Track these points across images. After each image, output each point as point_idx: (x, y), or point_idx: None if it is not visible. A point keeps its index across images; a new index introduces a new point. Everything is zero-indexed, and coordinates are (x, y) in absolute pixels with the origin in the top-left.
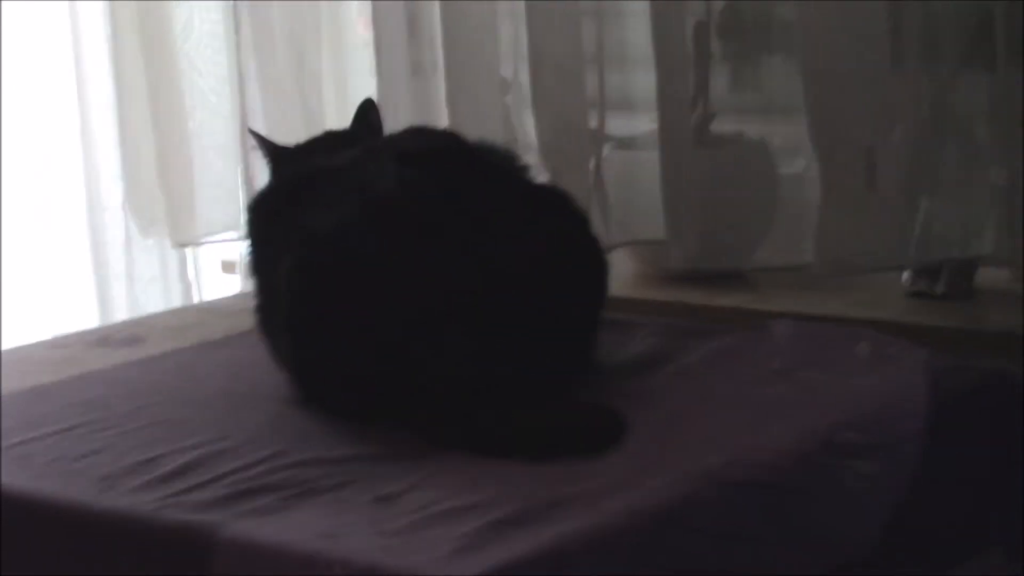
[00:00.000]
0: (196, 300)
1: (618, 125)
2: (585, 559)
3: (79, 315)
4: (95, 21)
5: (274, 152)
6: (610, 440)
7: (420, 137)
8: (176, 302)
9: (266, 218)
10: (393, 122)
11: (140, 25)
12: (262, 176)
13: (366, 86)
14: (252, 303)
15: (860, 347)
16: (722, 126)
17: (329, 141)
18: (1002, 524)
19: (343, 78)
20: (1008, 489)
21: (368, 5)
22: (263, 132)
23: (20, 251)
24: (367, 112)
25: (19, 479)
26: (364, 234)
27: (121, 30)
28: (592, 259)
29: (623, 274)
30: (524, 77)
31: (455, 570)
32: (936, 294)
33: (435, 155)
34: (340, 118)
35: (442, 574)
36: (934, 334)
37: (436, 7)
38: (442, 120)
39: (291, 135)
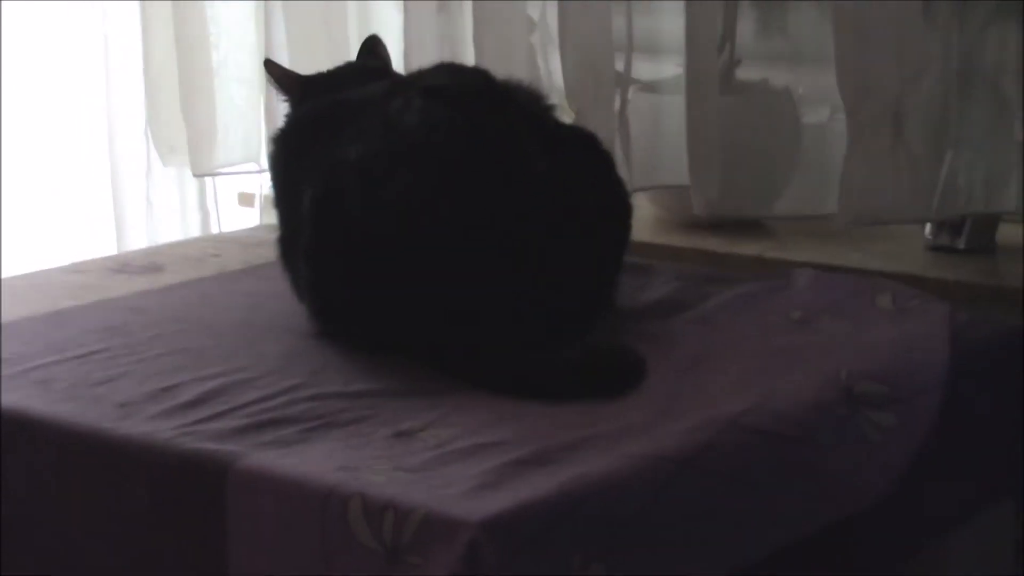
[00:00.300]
0: (215, 231)
1: (644, 68)
2: (602, 500)
3: (98, 241)
4: None
5: (294, 82)
6: (630, 383)
7: (448, 73)
8: (194, 232)
9: (290, 150)
10: (419, 57)
11: None
12: (283, 109)
13: (392, 20)
14: (274, 235)
15: (880, 299)
16: (748, 72)
17: (351, 73)
18: (1015, 477)
19: (368, 11)
20: (1022, 443)
21: None
22: (286, 65)
23: (39, 175)
24: (373, 48)
25: (39, 402)
26: (390, 167)
27: None
28: (616, 202)
29: (644, 218)
30: (551, 17)
31: (473, 507)
32: (958, 248)
33: (462, 92)
34: None
35: (460, 511)
36: (955, 288)
37: None
38: (468, 57)
39: (315, 68)
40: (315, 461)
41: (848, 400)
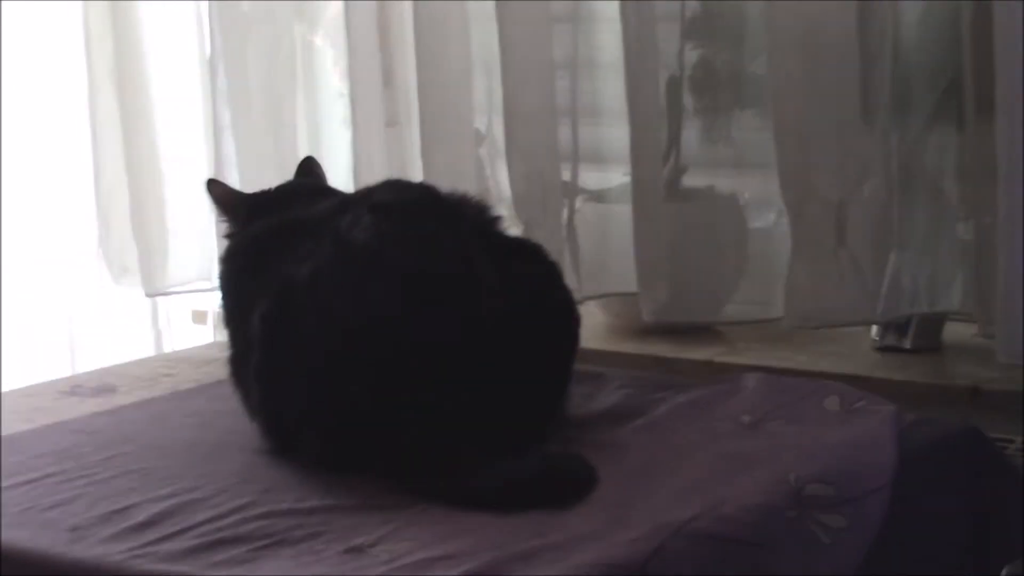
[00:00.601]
0: (167, 349)
1: (590, 178)
2: None
3: (50, 363)
4: (74, 65)
5: (237, 201)
6: (581, 492)
7: (395, 190)
8: (147, 350)
9: (240, 268)
10: (368, 172)
11: (116, 73)
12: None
13: (340, 137)
14: (224, 353)
15: (829, 401)
16: (693, 180)
17: (296, 191)
18: (963, 572)
19: (317, 129)
20: (975, 543)
21: (344, 56)
22: (235, 182)
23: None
24: (310, 169)
25: None
26: (338, 284)
27: (98, 78)
28: (564, 311)
29: (594, 326)
30: (498, 129)
31: None
32: (904, 348)
33: (410, 207)
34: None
35: None
36: (902, 388)
37: (411, 59)
38: (416, 171)
39: (264, 185)
40: None
41: (797, 503)
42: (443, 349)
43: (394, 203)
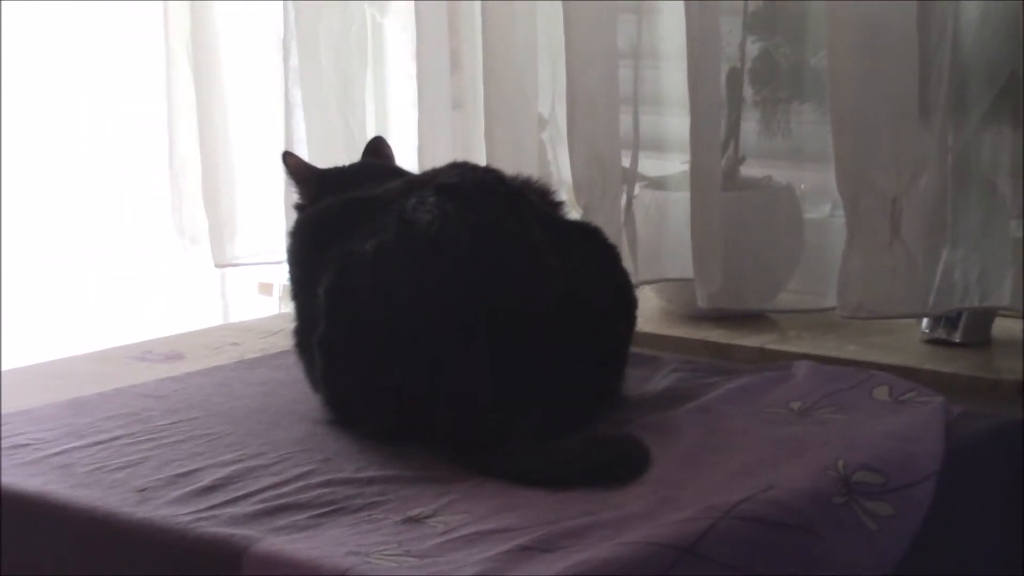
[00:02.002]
0: (234, 319)
1: (650, 165)
2: None
3: (121, 330)
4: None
5: (311, 175)
6: (634, 472)
7: (461, 172)
8: (215, 320)
9: (308, 242)
10: (432, 154)
11: (192, 49)
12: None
13: (407, 118)
14: (290, 325)
15: (878, 391)
16: (751, 170)
17: (366, 170)
18: (1012, 567)
19: (385, 110)
20: (1016, 531)
21: (412, 39)
22: (304, 157)
23: (64, 263)
24: (378, 149)
25: (60, 486)
26: (401, 262)
27: (174, 53)
28: (622, 295)
29: (649, 310)
30: (560, 115)
31: None
32: (954, 341)
33: (474, 189)
34: None
35: None
36: (951, 381)
37: (478, 44)
38: (480, 154)
39: (333, 163)
40: (326, 546)
41: (845, 490)
42: (502, 328)
43: (458, 185)
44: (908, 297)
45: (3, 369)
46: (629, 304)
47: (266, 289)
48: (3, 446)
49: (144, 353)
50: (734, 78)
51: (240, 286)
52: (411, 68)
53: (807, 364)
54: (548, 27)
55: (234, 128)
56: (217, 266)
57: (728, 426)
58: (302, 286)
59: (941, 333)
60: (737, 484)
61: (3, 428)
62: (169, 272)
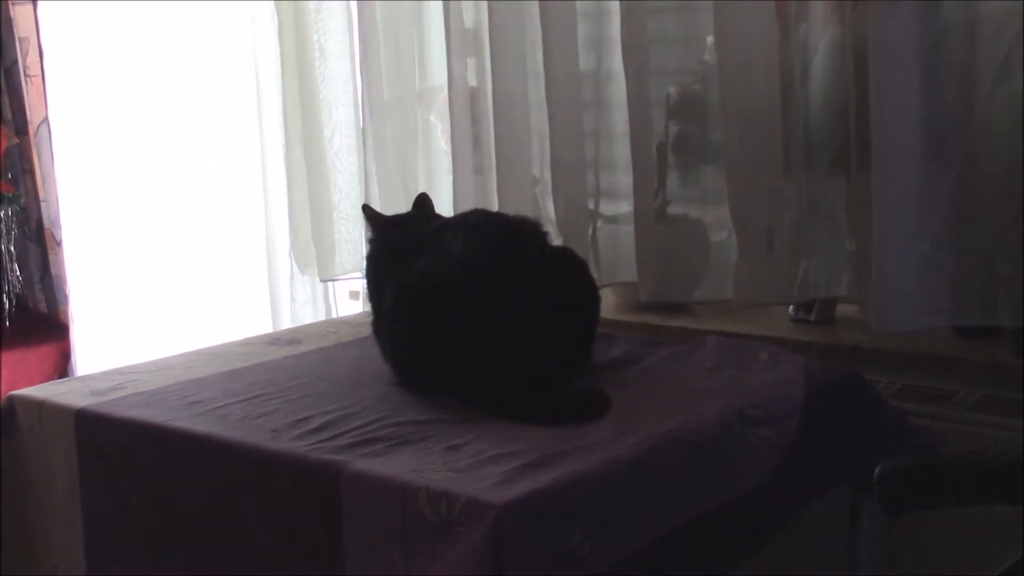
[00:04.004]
0: (334, 316)
1: (608, 207)
2: (583, 490)
3: (260, 324)
4: (275, 135)
5: (379, 221)
6: (599, 413)
7: (480, 216)
8: (321, 316)
9: (378, 264)
10: (463, 204)
11: (303, 138)
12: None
13: (445, 181)
14: (369, 319)
15: (761, 355)
16: (674, 210)
17: (414, 217)
18: (849, 469)
19: (431, 175)
20: (854, 448)
21: (447, 127)
22: (379, 208)
23: (226, 280)
24: (424, 202)
25: (219, 430)
26: (442, 277)
27: (291, 141)
28: (590, 294)
29: (609, 304)
30: (547, 175)
31: (498, 495)
32: (810, 320)
33: (489, 227)
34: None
35: (489, 497)
36: (809, 347)
37: (491, 128)
38: (493, 203)
39: (396, 211)
40: (396, 467)
41: (739, 420)
42: (512, 319)
43: (479, 225)
44: (779, 290)
45: (179, 352)
46: (595, 300)
47: (355, 295)
48: (182, 403)
49: (275, 339)
50: (662, 149)
51: (338, 294)
52: (447, 148)
53: (714, 338)
54: (538, 116)
55: (332, 188)
56: (322, 280)
57: (662, 380)
58: (376, 293)
59: (802, 315)
60: (669, 418)
61: (181, 391)
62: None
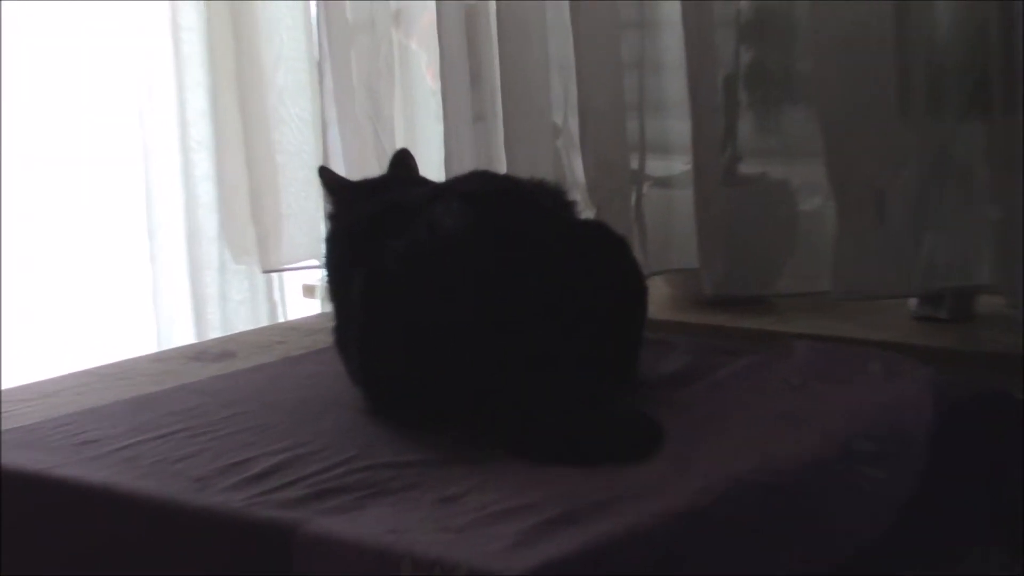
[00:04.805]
0: (280, 320)
1: (656, 166)
2: (623, 556)
3: (179, 333)
4: (198, 79)
5: (344, 187)
6: (649, 447)
7: (481, 180)
8: (263, 321)
9: (343, 247)
10: (457, 163)
11: (237, 78)
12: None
13: (433, 131)
14: (330, 324)
15: (871, 365)
16: (748, 167)
17: (392, 181)
18: (1000, 525)
19: (413, 124)
20: (1005, 494)
21: (436, 58)
22: (340, 172)
23: (126, 274)
24: (403, 161)
25: (123, 479)
26: (431, 263)
27: (220, 85)
28: (633, 284)
29: (660, 298)
30: (573, 123)
31: (510, 564)
32: (940, 318)
33: (494, 196)
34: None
35: (498, 567)
36: (938, 354)
37: (496, 61)
38: (501, 162)
39: (365, 174)
40: (369, 525)
41: (844, 457)
42: (525, 320)
43: (480, 192)
44: (895, 279)
45: (69, 371)
46: (641, 293)
47: (310, 291)
48: (72, 443)
49: (199, 353)
50: (730, 84)
51: (286, 289)
52: (435, 86)
53: (805, 343)
54: (559, 43)
55: (277, 146)
56: (264, 271)
57: (735, 401)
58: (339, 288)
59: (928, 310)
60: (745, 454)
61: (71, 426)
62: (220, 279)
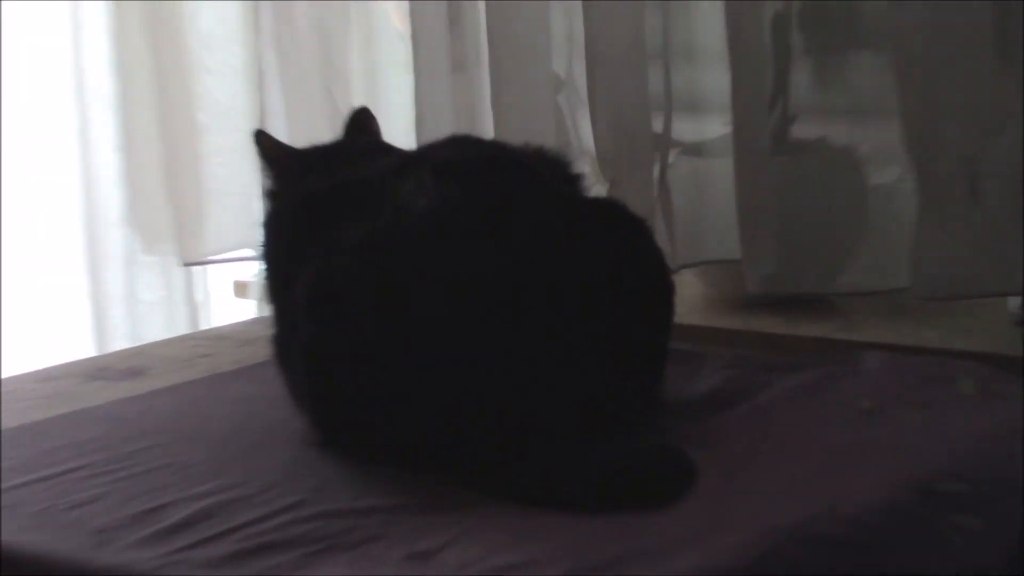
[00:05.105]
0: (205, 326)
1: (686, 129)
2: None
3: (73, 343)
4: (97, 11)
5: (287, 156)
6: (677, 490)
7: (462, 147)
8: (182, 328)
9: (286, 234)
10: (432, 125)
11: (146, 18)
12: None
13: (401, 84)
14: (268, 331)
15: (963, 383)
16: (804, 130)
17: (352, 148)
18: None
19: (375, 75)
20: None
21: None
22: (282, 136)
23: (6, 268)
24: (363, 123)
25: (5, 530)
26: (397, 255)
27: (125, 24)
28: (656, 282)
29: (691, 298)
30: (580, 74)
31: None
32: None
33: (478, 168)
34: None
35: None
36: None
37: None
38: (487, 122)
39: (314, 139)
40: None
41: (927, 502)
42: (516, 326)
43: (460, 163)
44: (994, 273)
45: None
46: (665, 291)
47: (243, 290)
48: None
49: (99, 370)
50: (780, 24)
51: (212, 288)
52: (403, 27)
53: (878, 355)
54: None
55: (199, 103)
56: (184, 265)
57: (787, 432)
58: (281, 286)
59: None
60: (800, 500)
61: None
62: (127, 276)
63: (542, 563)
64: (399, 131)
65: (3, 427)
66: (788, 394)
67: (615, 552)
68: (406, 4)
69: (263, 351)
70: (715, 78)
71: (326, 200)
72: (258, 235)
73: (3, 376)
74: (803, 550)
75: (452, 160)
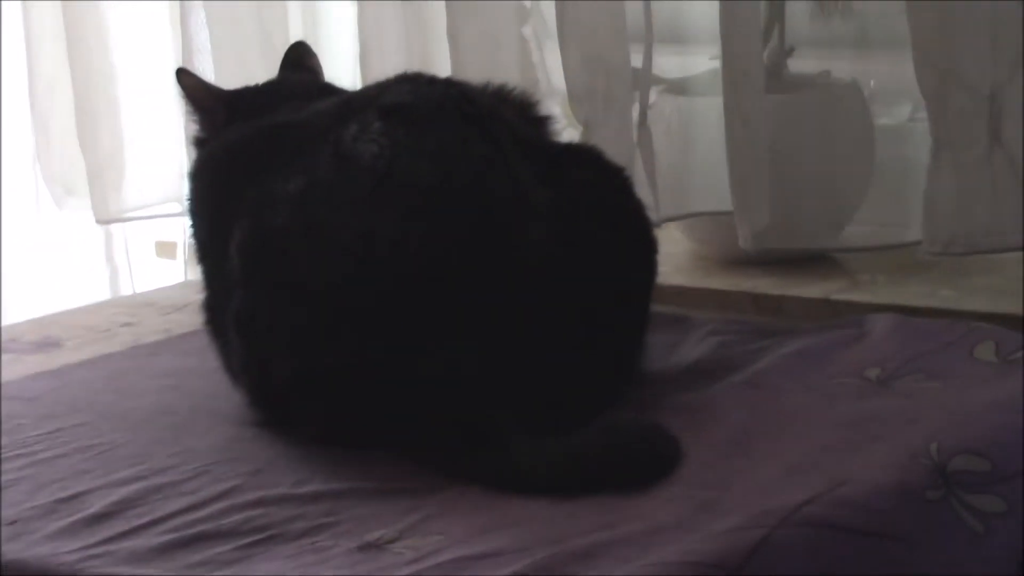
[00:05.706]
0: (126, 291)
1: (669, 63)
2: None
3: None
4: None
5: (215, 99)
6: (660, 470)
7: (413, 86)
8: (100, 294)
9: (215, 186)
10: (378, 60)
11: None
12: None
13: (342, 13)
14: (198, 297)
15: (980, 349)
16: (802, 64)
17: (289, 88)
18: None
19: (313, 4)
20: None
21: None
22: (209, 75)
23: None
24: (300, 58)
25: None
26: (340, 207)
27: None
28: (636, 238)
29: (677, 256)
30: (548, 2)
31: None
32: None
33: (432, 108)
34: None
35: None
36: None
37: None
38: (443, 57)
39: (247, 79)
40: None
41: (940, 481)
42: (477, 288)
43: (411, 105)
44: (1015, 224)
45: None
46: (647, 248)
47: (168, 250)
48: None
49: (8, 341)
50: None
51: (134, 248)
52: None
53: (886, 318)
54: None
55: (115, 40)
56: (99, 222)
57: (784, 404)
58: (211, 244)
59: None
60: (798, 481)
61: None
62: (36, 236)
63: (511, 553)
64: (340, 69)
65: None
66: (785, 363)
67: (593, 540)
68: None
69: (192, 319)
70: (702, 6)
71: (260, 147)
72: (184, 188)
73: None
74: (803, 535)
75: (402, 102)
